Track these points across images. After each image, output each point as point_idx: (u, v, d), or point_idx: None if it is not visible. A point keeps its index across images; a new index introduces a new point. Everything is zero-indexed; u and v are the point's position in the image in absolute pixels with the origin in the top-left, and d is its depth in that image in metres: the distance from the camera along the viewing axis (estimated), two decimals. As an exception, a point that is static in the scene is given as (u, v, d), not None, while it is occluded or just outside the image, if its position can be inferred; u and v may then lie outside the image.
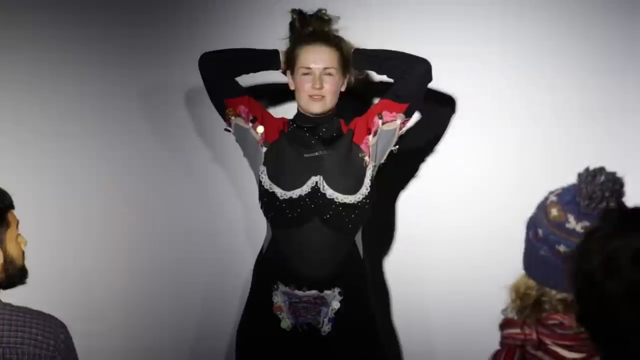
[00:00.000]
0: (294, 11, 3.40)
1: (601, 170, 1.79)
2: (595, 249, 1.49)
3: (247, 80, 3.46)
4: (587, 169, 1.81)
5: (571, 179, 1.89)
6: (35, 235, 3.76)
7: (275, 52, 3.41)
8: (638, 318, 1.44)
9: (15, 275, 2.39)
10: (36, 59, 3.82)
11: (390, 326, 3.85)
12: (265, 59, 3.43)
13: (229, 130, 3.35)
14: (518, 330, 1.88)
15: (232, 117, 3.34)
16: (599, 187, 1.77)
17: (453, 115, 3.78)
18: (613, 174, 1.79)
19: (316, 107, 3.32)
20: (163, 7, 3.82)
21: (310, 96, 3.31)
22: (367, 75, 3.53)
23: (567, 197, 1.82)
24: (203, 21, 3.81)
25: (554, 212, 1.82)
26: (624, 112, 3.68)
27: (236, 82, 3.37)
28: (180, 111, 3.84)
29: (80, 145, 3.86)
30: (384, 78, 3.45)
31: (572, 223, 1.80)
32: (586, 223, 1.79)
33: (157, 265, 3.90)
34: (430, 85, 3.39)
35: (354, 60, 3.39)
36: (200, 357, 3.94)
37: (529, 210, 1.90)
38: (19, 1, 3.81)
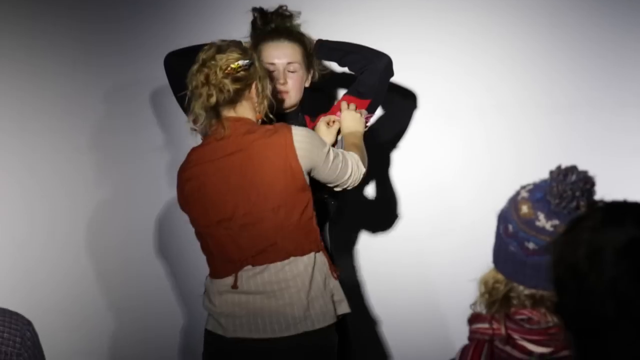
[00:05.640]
0: (254, 9, 3.39)
1: (573, 169, 1.78)
2: (580, 240, 1.50)
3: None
4: (559, 168, 1.80)
5: (539, 171, 1.90)
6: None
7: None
8: (618, 313, 1.45)
9: None
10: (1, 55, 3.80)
11: (361, 320, 3.87)
12: None
13: (195, 130, 3.34)
14: (486, 325, 1.88)
15: (199, 116, 3.34)
16: (570, 186, 1.76)
17: (417, 110, 3.80)
18: (584, 173, 1.78)
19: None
20: (129, 5, 3.82)
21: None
22: (332, 71, 3.54)
23: (538, 195, 1.81)
24: (168, 20, 3.80)
25: (525, 209, 1.82)
26: (590, 107, 3.73)
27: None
28: (147, 109, 3.84)
29: (45, 142, 3.85)
30: (346, 71, 3.47)
31: (542, 221, 1.80)
32: (556, 222, 1.79)
33: (126, 264, 3.90)
34: (394, 79, 3.41)
35: (316, 50, 3.39)
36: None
37: (500, 203, 1.91)
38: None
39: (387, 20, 3.75)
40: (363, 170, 3.12)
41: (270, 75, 3.19)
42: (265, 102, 3.05)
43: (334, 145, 3.27)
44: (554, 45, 3.72)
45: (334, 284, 3.06)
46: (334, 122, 3.28)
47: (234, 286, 3.02)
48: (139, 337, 3.92)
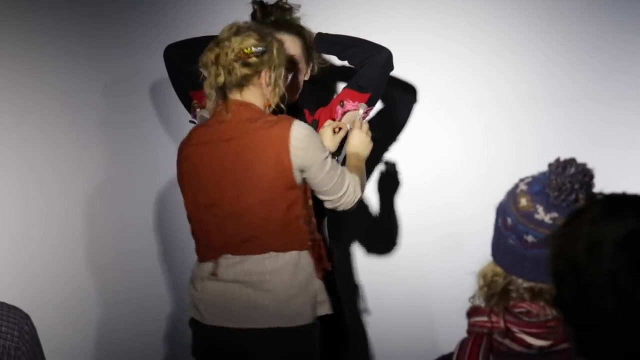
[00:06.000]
0: (254, 2, 3.39)
1: (572, 161, 1.77)
2: (579, 233, 1.49)
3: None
4: (557, 160, 1.79)
5: (538, 164, 1.90)
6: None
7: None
8: (617, 306, 1.45)
9: None
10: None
11: (359, 316, 3.87)
12: None
13: (194, 122, 3.35)
14: (485, 318, 1.87)
15: (198, 110, 3.34)
16: (568, 179, 1.76)
17: (416, 104, 3.80)
18: (583, 166, 1.78)
19: (280, 96, 3.30)
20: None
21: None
22: (331, 64, 3.54)
23: (537, 187, 1.81)
24: (167, 12, 3.80)
25: (523, 201, 1.82)
26: (589, 100, 3.72)
27: (201, 74, 3.35)
28: (146, 102, 3.83)
29: (44, 136, 3.85)
30: (346, 65, 3.47)
31: (541, 214, 1.79)
32: (555, 214, 1.78)
33: (124, 258, 3.90)
34: (393, 73, 3.40)
35: (316, 44, 3.39)
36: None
37: (499, 196, 1.91)
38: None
39: (386, 13, 3.75)
40: (359, 194, 3.06)
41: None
42: (277, 91, 3.01)
43: (338, 154, 3.25)
44: (552, 38, 3.71)
45: (318, 285, 3.03)
46: (340, 129, 3.24)
47: (214, 273, 3.02)
48: (138, 330, 3.92)
